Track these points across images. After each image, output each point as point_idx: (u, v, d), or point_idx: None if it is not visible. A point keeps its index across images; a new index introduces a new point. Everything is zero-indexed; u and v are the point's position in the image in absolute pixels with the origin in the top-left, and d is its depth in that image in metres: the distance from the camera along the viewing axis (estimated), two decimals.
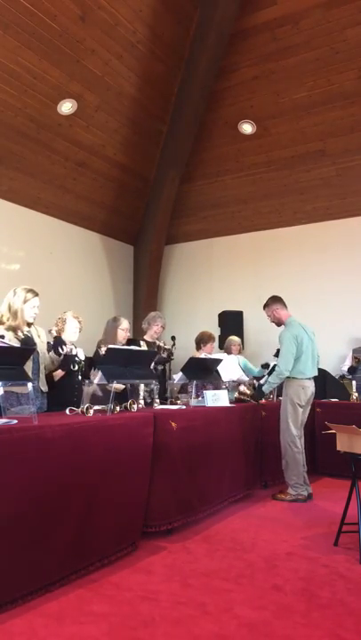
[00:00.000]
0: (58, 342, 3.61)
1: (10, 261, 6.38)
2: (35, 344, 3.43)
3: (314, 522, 3.75)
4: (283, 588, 2.57)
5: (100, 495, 2.79)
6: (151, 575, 2.72)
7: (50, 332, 3.79)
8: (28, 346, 3.30)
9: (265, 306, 4.71)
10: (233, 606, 2.36)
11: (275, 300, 4.66)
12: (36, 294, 3.47)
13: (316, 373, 4.61)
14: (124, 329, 4.42)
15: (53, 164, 6.55)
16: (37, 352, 3.46)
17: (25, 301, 3.41)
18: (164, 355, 4.85)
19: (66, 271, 7.14)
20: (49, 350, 3.63)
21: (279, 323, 4.65)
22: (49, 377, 3.74)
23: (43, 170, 6.51)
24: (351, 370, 6.15)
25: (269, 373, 5.51)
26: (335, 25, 5.98)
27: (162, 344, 5.12)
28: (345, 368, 6.33)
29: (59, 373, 3.82)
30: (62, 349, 3.58)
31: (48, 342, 3.69)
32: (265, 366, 5.67)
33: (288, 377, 4.48)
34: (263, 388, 4.64)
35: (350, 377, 6.19)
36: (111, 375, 3.25)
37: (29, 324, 3.49)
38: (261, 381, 4.88)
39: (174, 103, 7.12)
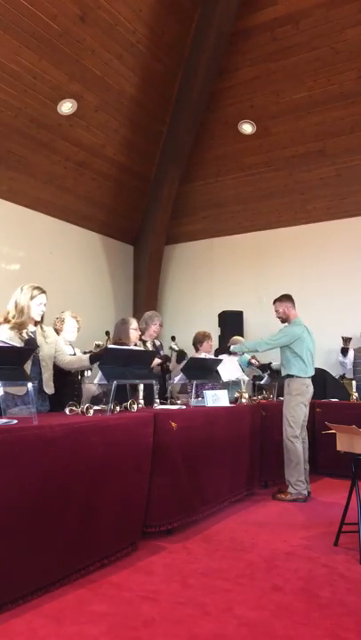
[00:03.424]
0: None
1: (10, 261, 6.38)
2: (37, 345, 3.37)
3: (314, 522, 3.75)
4: (283, 587, 2.57)
5: (100, 495, 2.79)
6: (151, 575, 2.72)
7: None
8: (30, 346, 3.28)
9: (277, 300, 4.83)
10: (233, 606, 2.36)
11: (288, 298, 4.81)
12: (43, 292, 3.47)
13: (313, 373, 4.75)
14: (135, 328, 4.43)
15: (53, 164, 6.54)
16: (39, 353, 3.43)
17: (32, 298, 3.40)
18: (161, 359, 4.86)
19: (66, 271, 7.13)
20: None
21: (285, 320, 4.79)
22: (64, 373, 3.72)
23: (43, 170, 6.50)
24: (344, 351, 6.37)
25: (263, 370, 5.60)
26: (335, 25, 5.99)
27: (161, 345, 5.12)
28: (341, 358, 6.53)
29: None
30: None
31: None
32: (264, 369, 5.67)
33: (291, 375, 4.58)
34: (232, 348, 4.88)
35: (345, 362, 6.40)
36: (111, 375, 3.25)
37: (36, 323, 3.47)
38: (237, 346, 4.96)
39: (174, 103, 7.12)
